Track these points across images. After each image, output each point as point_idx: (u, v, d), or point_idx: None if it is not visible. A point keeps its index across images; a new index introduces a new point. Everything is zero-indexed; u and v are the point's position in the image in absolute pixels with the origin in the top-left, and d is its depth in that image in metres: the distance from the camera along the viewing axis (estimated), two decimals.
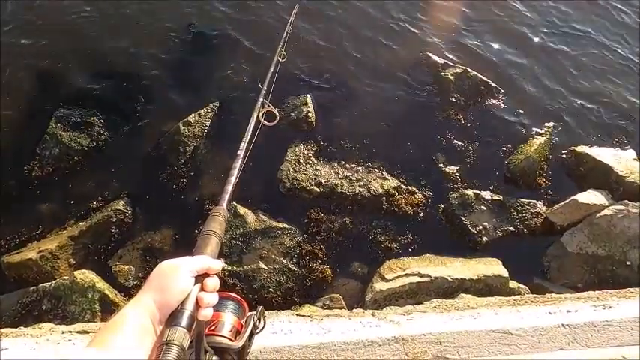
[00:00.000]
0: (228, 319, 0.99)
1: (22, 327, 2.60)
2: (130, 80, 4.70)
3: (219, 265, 0.96)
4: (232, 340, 0.95)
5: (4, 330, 2.45)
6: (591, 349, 2.36)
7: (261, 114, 1.66)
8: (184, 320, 0.84)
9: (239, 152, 1.37)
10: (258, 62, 4.89)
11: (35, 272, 3.39)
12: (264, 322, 1.04)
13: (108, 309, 3.12)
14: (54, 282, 3.24)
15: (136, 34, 5.10)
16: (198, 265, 0.93)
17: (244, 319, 1.02)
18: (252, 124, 1.55)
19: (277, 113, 1.75)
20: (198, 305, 0.88)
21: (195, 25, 5.30)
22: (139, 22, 5.23)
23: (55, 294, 3.17)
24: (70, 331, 2.39)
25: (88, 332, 2.35)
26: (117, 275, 3.48)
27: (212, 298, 0.91)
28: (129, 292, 3.33)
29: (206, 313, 0.89)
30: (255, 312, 1.04)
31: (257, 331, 1.02)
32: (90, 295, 3.16)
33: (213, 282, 0.93)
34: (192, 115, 4.38)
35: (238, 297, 1.03)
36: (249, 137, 1.45)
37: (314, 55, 5.19)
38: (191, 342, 0.84)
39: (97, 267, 3.49)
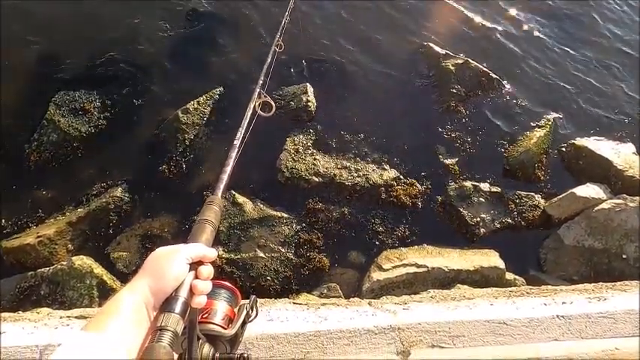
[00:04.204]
0: (221, 307, 0.99)
1: (20, 311, 2.61)
2: (128, 67, 4.66)
3: (213, 253, 0.97)
4: (225, 329, 0.96)
5: (2, 314, 2.47)
6: (585, 341, 2.38)
7: (257, 104, 1.66)
8: (178, 307, 0.85)
9: (235, 142, 1.37)
10: (258, 51, 4.86)
11: (33, 257, 3.40)
12: (257, 312, 1.05)
13: (106, 295, 3.14)
14: (52, 267, 3.25)
15: (136, 20, 5.05)
16: (193, 253, 0.94)
17: (237, 308, 1.03)
18: (248, 114, 1.56)
19: (274, 104, 1.75)
20: (192, 293, 0.89)
21: (193, 14, 5.25)
22: (139, 8, 5.18)
23: (53, 279, 3.19)
24: (68, 316, 2.40)
25: (85, 317, 2.36)
26: (115, 262, 3.49)
27: (206, 286, 0.92)
28: (126, 279, 3.34)
29: (200, 301, 0.90)
30: (248, 301, 1.05)
31: (249, 320, 1.03)
32: (88, 281, 3.17)
33: (208, 270, 0.94)
34: (191, 102, 4.36)
35: (232, 286, 1.04)
36: (245, 127, 1.46)
37: (313, 45, 5.15)
38: (184, 329, 0.85)
39: (95, 253, 3.50)
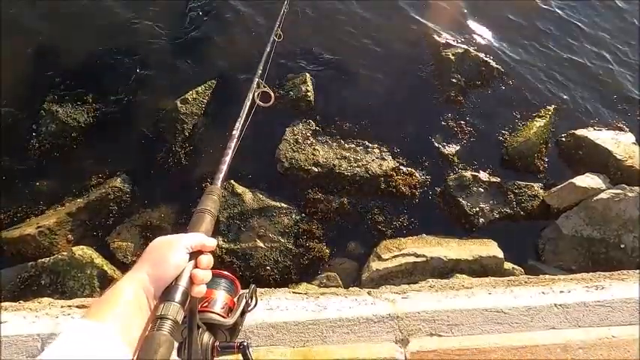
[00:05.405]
0: (221, 296, 1.00)
1: (21, 301, 2.63)
2: (126, 57, 4.64)
3: (213, 242, 0.98)
4: (224, 317, 0.97)
5: (3, 304, 2.49)
6: (582, 329, 2.40)
7: (256, 94, 1.66)
8: (178, 296, 0.86)
9: (234, 132, 1.37)
10: (257, 40, 4.83)
11: (34, 248, 3.41)
12: (256, 301, 1.06)
13: (106, 285, 3.16)
14: (52, 258, 3.27)
15: (134, 10, 5.02)
16: (193, 242, 0.94)
17: (237, 297, 1.04)
18: (247, 104, 1.55)
19: (272, 94, 1.75)
20: (192, 282, 0.90)
21: (193, 3, 5.21)
22: None
23: (54, 269, 3.21)
24: (69, 306, 2.42)
25: (86, 307, 2.38)
26: (115, 252, 3.50)
27: (206, 275, 0.93)
28: (127, 269, 3.35)
29: (200, 290, 0.91)
30: (247, 290, 1.06)
31: (249, 309, 1.04)
32: (88, 271, 3.19)
33: (207, 259, 0.95)
34: (190, 92, 4.34)
35: (231, 275, 1.05)
36: (244, 117, 1.46)
37: (313, 34, 5.12)
38: (184, 318, 0.86)
39: (96, 243, 3.51)
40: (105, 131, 4.15)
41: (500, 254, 3.54)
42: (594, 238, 3.77)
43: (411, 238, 3.75)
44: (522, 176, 4.25)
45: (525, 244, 3.91)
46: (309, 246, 3.65)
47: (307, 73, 4.63)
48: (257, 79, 1.74)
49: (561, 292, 2.59)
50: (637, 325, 2.40)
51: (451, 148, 4.37)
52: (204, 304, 0.98)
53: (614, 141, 4.33)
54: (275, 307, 2.38)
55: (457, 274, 3.35)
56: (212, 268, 0.96)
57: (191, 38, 4.91)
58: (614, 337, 2.34)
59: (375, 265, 3.45)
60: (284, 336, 2.25)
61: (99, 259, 3.29)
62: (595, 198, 3.84)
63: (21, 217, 3.66)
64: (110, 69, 4.54)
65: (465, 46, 5.12)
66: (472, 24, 5.61)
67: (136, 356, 0.77)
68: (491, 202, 4.03)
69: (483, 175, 4.13)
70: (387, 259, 3.48)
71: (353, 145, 4.25)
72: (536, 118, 4.67)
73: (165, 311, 0.82)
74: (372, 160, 4.14)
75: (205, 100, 4.35)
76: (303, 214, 3.81)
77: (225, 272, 1.06)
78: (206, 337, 0.92)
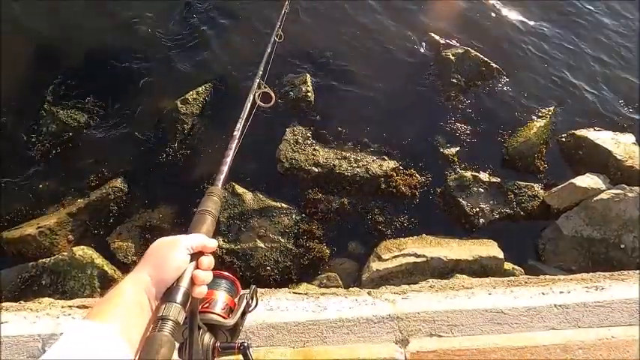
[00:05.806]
0: (222, 297, 1.01)
1: (22, 302, 2.63)
2: (126, 57, 4.64)
3: (214, 243, 0.98)
4: (225, 318, 0.98)
5: (4, 304, 2.49)
6: (582, 329, 2.40)
7: (257, 95, 1.66)
8: (179, 297, 0.86)
9: (235, 133, 1.38)
10: (258, 41, 4.84)
11: (34, 248, 3.42)
12: (257, 301, 1.07)
13: (107, 285, 3.17)
14: (53, 258, 3.27)
15: (135, 10, 5.02)
16: (194, 243, 0.94)
17: (237, 298, 1.04)
18: (248, 105, 1.55)
19: (273, 95, 1.75)
20: (193, 283, 0.90)
21: (193, 3, 5.21)
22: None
23: (55, 270, 3.21)
24: (70, 306, 2.42)
25: (87, 307, 2.38)
26: (115, 252, 3.51)
27: (207, 276, 0.93)
28: (127, 269, 3.36)
29: (201, 291, 0.91)
30: (248, 291, 1.06)
31: (250, 309, 1.04)
32: (89, 272, 3.19)
33: (208, 260, 0.95)
34: (191, 92, 4.34)
35: (232, 276, 1.05)
36: (244, 118, 1.46)
37: (313, 35, 5.12)
38: (185, 318, 0.86)
39: (96, 244, 3.52)
40: (105, 131, 4.16)
41: (501, 254, 3.54)
42: (594, 238, 3.77)
43: (411, 238, 3.75)
44: (522, 176, 4.25)
45: (525, 244, 3.91)
46: (310, 246, 3.65)
47: (307, 74, 4.64)
48: (258, 80, 1.74)
49: (561, 292, 2.59)
50: (637, 326, 2.40)
51: (451, 148, 4.37)
52: (205, 305, 0.98)
53: (614, 141, 4.33)
54: (275, 307, 2.38)
55: (457, 275, 3.35)
56: (212, 269, 0.96)
57: (191, 38, 4.91)
58: (614, 337, 2.34)
59: (375, 265, 3.45)
60: (284, 336, 2.25)
61: (99, 260, 3.29)
62: (595, 198, 3.84)
63: (21, 217, 3.66)
64: (110, 69, 4.55)
65: (465, 46, 5.12)
66: (473, 25, 5.61)
67: (137, 357, 0.78)
68: (491, 202, 4.04)
69: (483, 176, 4.14)
70: (387, 260, 3.48)
71: (353, 145, 4.25)
72: (536, 118, 4.67)
73: (167, 312, 0.83)
74: (372, 161, 4.14)
75: (205, 101, 4.36)
76: (304, 215, 3.81)
77: (226, 273, 1.06)
78: (207, 338, 0.92)
